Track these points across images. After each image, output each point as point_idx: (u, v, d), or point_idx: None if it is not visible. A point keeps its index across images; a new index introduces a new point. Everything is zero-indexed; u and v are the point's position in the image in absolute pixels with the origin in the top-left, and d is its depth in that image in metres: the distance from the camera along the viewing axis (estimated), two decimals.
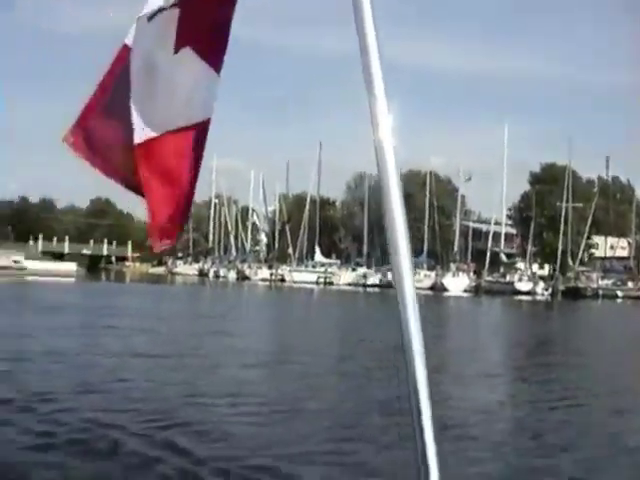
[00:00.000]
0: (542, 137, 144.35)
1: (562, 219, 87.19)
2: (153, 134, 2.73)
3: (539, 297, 77.78)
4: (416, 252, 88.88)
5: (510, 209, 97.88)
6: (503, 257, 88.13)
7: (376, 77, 2.10)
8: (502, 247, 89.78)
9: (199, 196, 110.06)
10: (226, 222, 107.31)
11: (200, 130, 2.77)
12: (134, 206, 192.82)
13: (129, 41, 2.77)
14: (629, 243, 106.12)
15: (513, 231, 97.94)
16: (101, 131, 2.85)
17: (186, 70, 2.73)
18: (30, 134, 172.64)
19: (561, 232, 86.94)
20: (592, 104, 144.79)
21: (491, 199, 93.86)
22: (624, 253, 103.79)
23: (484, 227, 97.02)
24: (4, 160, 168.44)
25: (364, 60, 2.11)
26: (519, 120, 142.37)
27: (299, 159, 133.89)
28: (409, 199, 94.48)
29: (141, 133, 2.70)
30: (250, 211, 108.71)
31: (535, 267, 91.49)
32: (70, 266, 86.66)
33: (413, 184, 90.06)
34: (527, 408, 14.07)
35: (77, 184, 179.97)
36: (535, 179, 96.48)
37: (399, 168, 2.07)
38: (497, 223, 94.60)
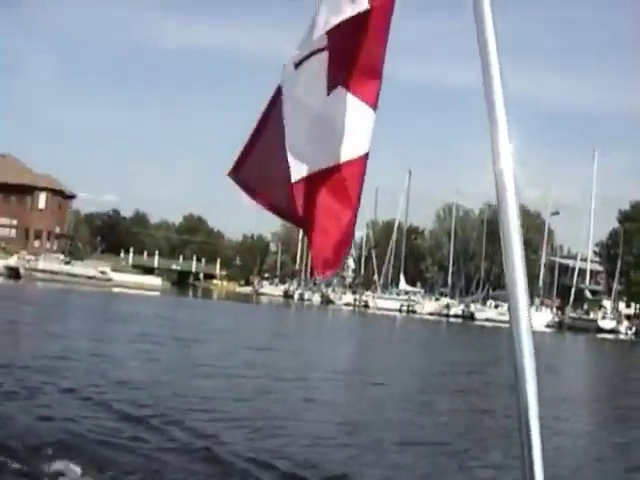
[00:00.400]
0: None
1: None
2: (311, 171, 2.86)
3: (622, 336, 77.09)
4: (500, 286, 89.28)
5: (597, 245, 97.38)
6: (588, 294, 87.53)
7: (498, 106, 2.17)
8: (587, 283, 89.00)
9: None
10: None
11: (359, 164, 2.89)
12: (225, 224, 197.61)
13: (281, 84, 2.94)
14: None
15: (600, 268, 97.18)
16: (262, 168, 3.00)
17: (341, 109, 2.85)
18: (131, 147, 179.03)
19: None
20: None
21: (579, 234, 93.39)
22: None
23: (571, 262, 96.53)
24: (102, 171, 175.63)
25: (487, 90, 2.19)
26: (618, 155, 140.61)
27: (389, 186, 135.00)
28: (497, 232, 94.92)
29: (298, 171, 2.82)
30: None
31: (622, 306, 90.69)
32: (155, 280, 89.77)
33: None
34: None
35: (171, 200, 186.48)
36: (624, 216, 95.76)
37: (519, 199, 2.15)
38: (584, 259, 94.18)
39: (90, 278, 79.72)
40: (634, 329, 79.82)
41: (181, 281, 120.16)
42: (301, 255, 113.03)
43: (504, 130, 2.18)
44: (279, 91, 2.92)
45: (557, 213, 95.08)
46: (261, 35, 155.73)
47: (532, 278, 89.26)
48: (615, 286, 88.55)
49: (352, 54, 2.81)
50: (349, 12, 2.67)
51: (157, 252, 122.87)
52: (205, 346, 25.50)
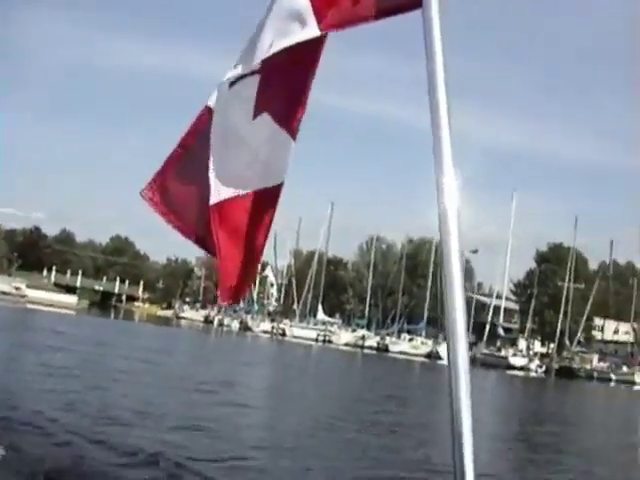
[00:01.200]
0: (567, 215, 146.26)
1: (563, 299, 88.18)
2: (228, 196, 2.85)
3: (533, 373, 78.45)
4: (416, 320, 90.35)
5: (515, 285, 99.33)
6: (500, 331, 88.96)
7: (445, 144, 2.17)
8: (501, 321, 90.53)
9: None
10: None
11: (273, 193, 2.89)
12: (152, 247, 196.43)
13: (212, 103, 2.91)
14: (634, 329, 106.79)
15: (516, 307, 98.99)
16: (179, 189, 2.99)
17: (263, 136, 2.85)
18: (57, 167, 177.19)
19: (561, 312, 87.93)
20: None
21: (498, 273, 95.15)
22: (629, 337, 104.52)
23: (488, 300, 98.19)
24: (27, 190, 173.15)
25: (434, 127, 2.18)
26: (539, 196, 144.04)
27: (314, 216, 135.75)
28: (418, 267, 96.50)
29: (217, 194, 2.82)
30: (263, 264, 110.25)
31: (538, 345, 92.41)
32: (71, 299, 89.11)
33: (425, 252, 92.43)
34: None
35: (99, 220, 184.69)
36: (541, 258, 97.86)
37: (462, 236, 2.14)
38: (500, 297, 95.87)
39: (4, 294, 78.83)
40: (544, 367, 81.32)
41: (103, 302, 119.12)
42: None
43: (449, 167, 2.16)
44: (208, 111, 2.91)
45: (476, 251, 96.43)
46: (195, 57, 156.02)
47: None
48: (529, 325, 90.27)
49: (281, 82, 2.82)
50: (298, 37, 2.61)
51: (80, 271, 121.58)
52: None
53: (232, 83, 2.84)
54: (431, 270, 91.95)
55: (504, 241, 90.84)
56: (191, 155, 2.94)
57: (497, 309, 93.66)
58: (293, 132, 2.87)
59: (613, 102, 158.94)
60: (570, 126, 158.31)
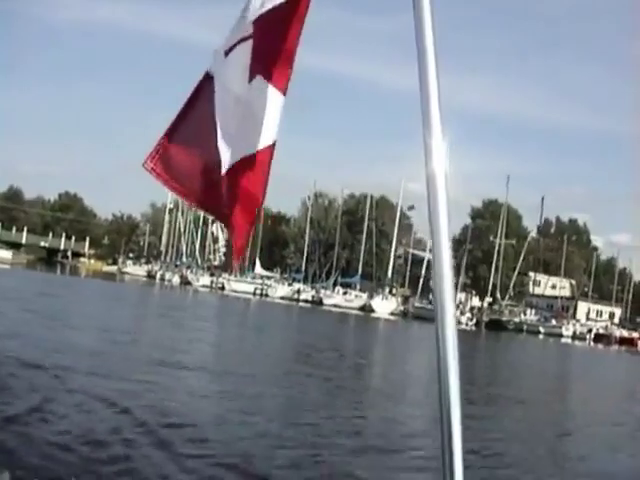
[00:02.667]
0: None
1: (495, 254, 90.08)
2: (235, 160, 2.87)
3: (463, 326, 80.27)
4: (350, 273, 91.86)
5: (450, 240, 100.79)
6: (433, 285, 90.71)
7: (433, 104, 2.12)
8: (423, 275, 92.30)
9: (160, 199, 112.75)
10: (179, 228, 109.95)
11: (269, 153, 2.90)
12: (100, 204, 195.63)
13: (211, 71, 2.97)
14: (571, 284, 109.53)
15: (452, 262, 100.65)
16: (182, 158, 2.99)
17: (259, 97, 2.85)
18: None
19: (493, 267, 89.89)
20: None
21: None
22: (566, 293, 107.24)
23: (426, 255, 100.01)
24: None
25: (422, 87, 2.12)
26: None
27: None
28: (358, 222, 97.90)
29: (226, 160, 2.84)
30: (205, 219, 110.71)
31: (476, 300, 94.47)
32: (6, 254, 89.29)
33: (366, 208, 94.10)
34: None
35: (47, 177, 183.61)
36: (475, 214, 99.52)
37: (450, 199, 2.09)
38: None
39: None
40: (475, 320, 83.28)
41: (49, 258, 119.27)
42: (167, 237, 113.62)
43: (438, 129, 2.12)
44: (209, 79, 2.95)
45: (412, 207, 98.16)
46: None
47: (385, 268, 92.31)
48: (460, 279, 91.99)
49: (272, 43, 2.86)
50: None
51: (25, 228, 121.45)
52: None
53: (228, 51, 2.90)
54: (366, 225, 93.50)
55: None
56: (194, 123, 2.98)
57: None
58: (283, 88, 2.89)
59: (552, 59, 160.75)
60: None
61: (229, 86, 2.90)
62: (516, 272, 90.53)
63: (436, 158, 2.11)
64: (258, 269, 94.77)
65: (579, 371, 40.24)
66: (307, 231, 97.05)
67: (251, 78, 2.87)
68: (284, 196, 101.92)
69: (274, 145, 2.90)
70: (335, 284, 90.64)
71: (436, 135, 2.12)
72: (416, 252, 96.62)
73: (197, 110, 2.98)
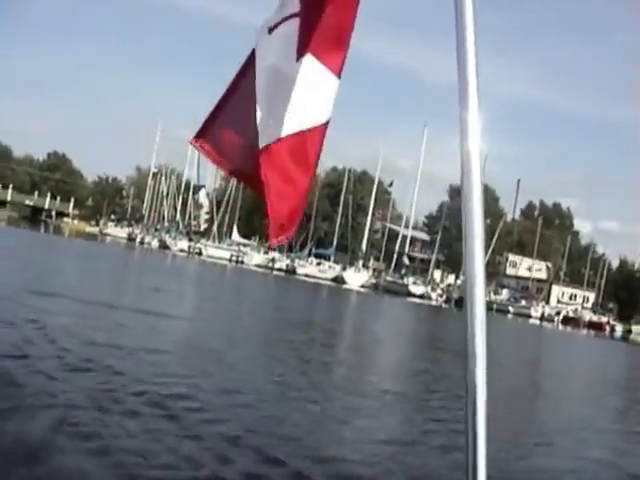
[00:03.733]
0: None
1: None
2: (276, 137, 2.82)
3: (433, 302, 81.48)
4: (325, 245, 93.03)
5: (427, 217, 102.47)
6: (405, 260, 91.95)
7: (471, 82, 2.09)
8: (406, 250, 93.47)
9: (146, 163, 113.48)
10: (162, 193, 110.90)
11: (320, 132, 2.89)
12: (88, 166, 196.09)
13: (256, 47, 2.96)
14: (547, 267, 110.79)
15: (428, 238, 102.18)
16: (228, 135, 2.99)
17: (308, 75, 2.81)
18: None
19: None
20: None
21: (419, 204, 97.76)
22: (542, 275, 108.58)
23: (405, 231, 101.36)
24: None
25: (460, 65, 2.09)
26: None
27: None
28: (339, 196, 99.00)
29: (265, 137, 2.80)
30: (187, 185, 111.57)
31: (453, 277, 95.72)
32: None
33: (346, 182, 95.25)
34: None
35: (38, 136, 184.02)
36: (454, 191, 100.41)
37: (483, 179, 2.06)
38: (414, 228, 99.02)
39: None
40: (445, 296, 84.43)
41: (34, 217, 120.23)
42: (149, 201, 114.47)
43: (474, 105, 2.10)
44: (252, 55, 2.96)
45: (392, 183, 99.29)
46: None
47: (360, 242, 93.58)
48: (434, 256, 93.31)
49: (322, 22, 2.79)
50: None
51: (11, 186, 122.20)
52: None
53: (271, 29, 2.90)
54: (342, 199, 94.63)
55: (425, 174, 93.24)
56: (239, 100, 2.96)
57: (413, 240, 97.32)
58: (338, 71, 2.87)
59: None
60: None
61: (273, 62, 2.87)
62: (489, 252, 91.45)
63: (472, 136, 2.09)
64: (235, 236, 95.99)
65: (533, 350, 40.78)
66: None
67: (299, 56, 2.83)
68: None
69: (327, 124, 2.90)
70: (310, 255, 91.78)
71: (472, 113, 2.08)
72: (393, 227, 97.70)
73: (242, 87, 2.97)
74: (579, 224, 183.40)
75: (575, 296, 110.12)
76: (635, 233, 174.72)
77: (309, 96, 2.85)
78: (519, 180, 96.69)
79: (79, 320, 16.42)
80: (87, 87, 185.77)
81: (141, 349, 14.10)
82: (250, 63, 2.97)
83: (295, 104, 2.83)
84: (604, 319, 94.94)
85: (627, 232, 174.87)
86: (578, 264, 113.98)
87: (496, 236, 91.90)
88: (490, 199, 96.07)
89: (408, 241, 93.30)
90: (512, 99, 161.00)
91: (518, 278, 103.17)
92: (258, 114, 2.82)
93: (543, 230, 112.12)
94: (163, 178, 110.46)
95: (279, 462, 8.08)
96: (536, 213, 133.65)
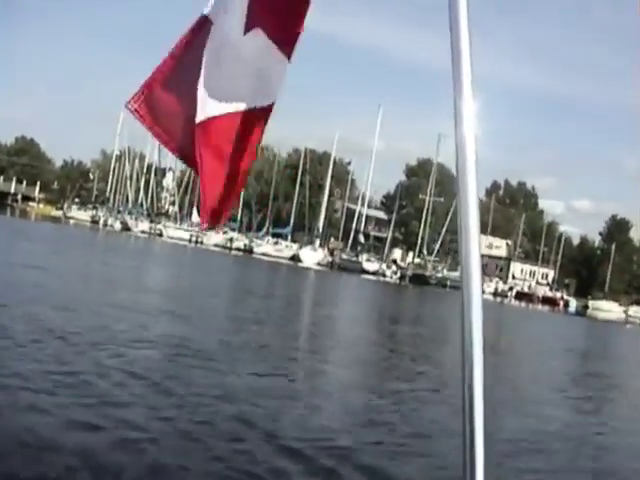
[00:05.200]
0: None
1: (424, 211, 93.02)
2: (215, 113, 2.71)
3: (388, 279, 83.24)
4: (282, 224, 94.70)
5: (384, 196, 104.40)
6: (361, 238, 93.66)
7: (465, 67, 2.04)
8: (362, 229, 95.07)
9: (111, 147, 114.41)
10: (125, 175, 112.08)
11: (263, 114, 2.76)
12: (56, 150, 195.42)
13: (208, 12, 2.74)
14: (507, 245, 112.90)
15: (385, 217, 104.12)
16: (165, 101, 2.80)
17: (256, 52, 2.71)
18: None
19: (422, 223, 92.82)
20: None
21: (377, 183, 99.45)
22: (503, 253, 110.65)
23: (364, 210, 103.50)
24: None
25: (454, 49, 2.04)
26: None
27: None
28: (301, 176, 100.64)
29: (203, 111, 2.69)
30: (149, 168, 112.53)
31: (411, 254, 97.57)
32: None
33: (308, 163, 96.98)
34: None
35: (6, 121, 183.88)
36: (411, 172, 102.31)
37: (479, 166, 2.01)
38: (374, 207, 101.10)
39: None
40: (399, 274, 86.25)
41: (0, 201, 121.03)
42: (112, 184, 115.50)
43: (469, 92, 2.05)
44: (204, 20, 2.76)
45: (349, 162, 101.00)
46: None
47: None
48: (389, 234, 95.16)
49: (276, 1, 2.70)
50: None
51: None
52: None
53: None
54: (299, 180, 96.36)
55: (385, 152, 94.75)
56: (182, 67, 2.77)
57: (371, 219, 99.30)
58: (288, 52, 2.75)
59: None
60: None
61: (222, 33, 2.72)
62: (444, 229, 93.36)
63: (466, 121, 2.05)
64: (195, 217, 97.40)
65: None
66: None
67: (247, 29, 2.70)
68: None
69: (271, 108, 2.76)
70: (268, 234, 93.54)
71: (467, 98, 2.05)
72: (351, 206, 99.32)
73: (189, 53, 2.77)
74: (552, 203, 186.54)
75: (534, 273, 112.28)
76: (606, 211, 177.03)
77: (256, 74, 2.74)
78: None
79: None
80: (57, 70, 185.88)
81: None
82: (200, 26, 2.76)
83: (240, 81, 2.73)
84: (558, 294, 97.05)
85: (599, 210, 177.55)
86: (541, 242, 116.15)
87: (449, 215, 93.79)
88: (445, 178, 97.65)
89: (364, 220, 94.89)
90: (489, 78, 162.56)
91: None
92: (200, 85, 2.68)
93: (504, 209, 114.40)
94: (127, 161, 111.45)
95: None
96: (501, 192, 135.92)
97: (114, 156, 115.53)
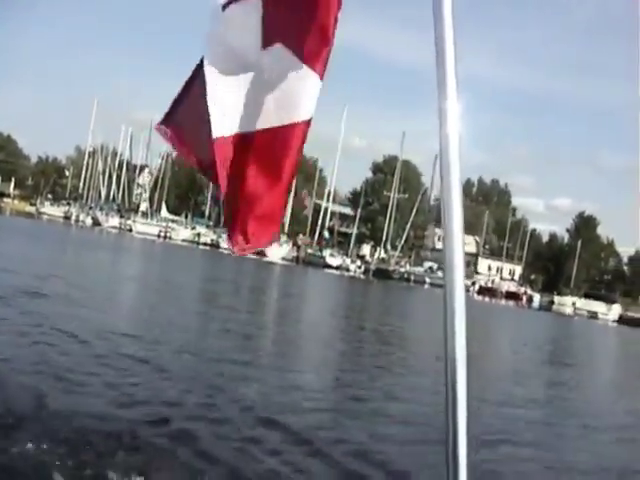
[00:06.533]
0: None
1: (389, 207, 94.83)
2: (239, 131, 2.62)
3: (351, 273, 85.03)
4: None
5: (351, 193, 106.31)
6: (326, 234, 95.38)
7: (449, 67, 2.04)
8: (327, 224, 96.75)
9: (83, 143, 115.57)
10: (98, 172, 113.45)
11: (295, 131, 2.56)
12: (34, 146, 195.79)
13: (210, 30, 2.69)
14: (476, 241, 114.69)
15: (352, 213, 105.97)
16: (189, 122, 2.78)
17: (280, 67, 2.57)
18: None
19: (387, 219, 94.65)
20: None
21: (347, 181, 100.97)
22: (471, 249, 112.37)
23: (335, 207, 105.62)
24: None
25: (438, 49, 2.04)
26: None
27: None
28: None
29: (220, 128, 2.60)
30: (120, 164, 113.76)
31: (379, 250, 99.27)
32: None
33: None
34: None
35: None
36: (377, 168, 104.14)
37: (462, 162, 2.02)
38: (342, 204, 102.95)
39: None
40: (363, 268, 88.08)
41: None
42: (87, 180, 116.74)
43: (453, 92, 2.05)
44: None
45: (317, 160, 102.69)
46: None
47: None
48: (354, 230, 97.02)
49: (297, 13, 2.55)
50: None
51: None
52: None
53: (224, 6, 2.64)
54: None
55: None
56: (198, 88, 2.69)
57: (339, 215, 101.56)
58: (316, 68, 2.52)
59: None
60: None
61: (229, 45, 2.65)
62: (408, 226, 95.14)
63: (450, 121, 2.04)
64: (164, 213, 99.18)
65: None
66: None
67: (266, 44, 2.61)
68: None
69: (306, 124, 2.56)
70: None
71: (451, 98, 2.05)
72: (318, 202, 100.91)
73: (200, 73, 2.72)
74: (532, 202, 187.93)
75: (502, 269, 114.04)
76: (586, 210, 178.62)
77: (282, 90, 2.58)
78: (436, 155, 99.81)
79: None
80: (38, 67, 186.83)
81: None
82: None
83: (261, 97, 2.61)
84: (522, 290, 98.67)
85: (578, 208, 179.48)
86: (510, 239, 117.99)
87: (414, 211, 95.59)
88: (411, 174, 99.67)
89: (329, 215, 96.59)
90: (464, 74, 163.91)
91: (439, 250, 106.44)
92: (209, 100, 2.61)
93: (475, 205, 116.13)
94: (99, 157, 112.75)
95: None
96: (474, 190, 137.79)
97: (86, 152, 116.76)
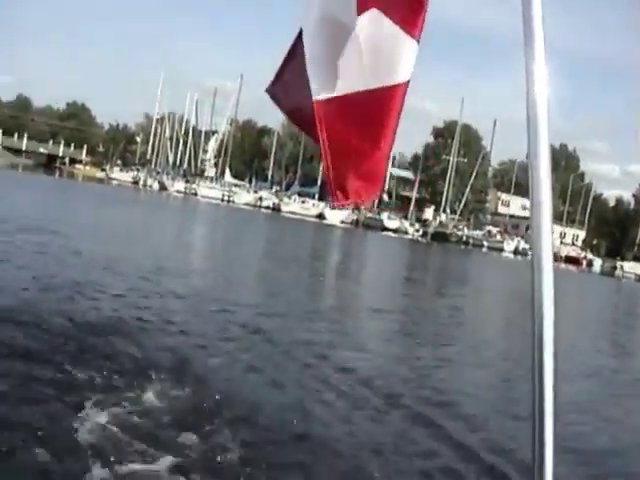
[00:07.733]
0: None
1: (449, 171, 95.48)
2: (337, 93, 2.63)
3: (410, 236, 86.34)
4: (310, 183, 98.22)
5: (412, 157, 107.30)
6: (385, 197, 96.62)
7: (537, 28, 1.96)
8: (386, 189, 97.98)
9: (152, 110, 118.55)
10: (165, 138, 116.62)
11: (394, 92, 2.59)
12: (107, 113, 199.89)
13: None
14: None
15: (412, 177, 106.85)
16: (292, 87, 2.81)
17: (376, 32, 2.59)
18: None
19: (447, 183, 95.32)
20: None
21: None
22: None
23: (396, 171, 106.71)
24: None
25: (525, 10, 1.96)
26: None
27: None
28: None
29: (320, 89, 2.62)
30: (186, 130, 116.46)
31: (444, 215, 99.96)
32: None
33: None
34: None
35: (56, 85, 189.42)
36: (437, 133, 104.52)
37: (551, 125, 1.93)
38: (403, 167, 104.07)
39: None
40: (421, 231, 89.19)
41: (49, 164, 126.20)
42: (153, 146, 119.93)
43: (541, 53, 1.97)
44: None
45: None
46: None
47: None
48: (414, 193, 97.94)
49: None
50: None
51: (26, 135, 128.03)
52: None
53: None
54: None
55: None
56: (301, 52, 2.71)
57: (400, 179, 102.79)
58: (413, 31, 2.56)
59: None
60: None
61: (326, 10, 2.63)
62: (467, 189, 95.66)
63: (538, 84, 1.96)
64: (227, 177, 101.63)
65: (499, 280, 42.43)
66: (274, 145, 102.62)
67: (361, 10, 2.57)
68: (272, 111, 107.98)
69: (404, 86, 2.58)
70: (299, 194, 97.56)
71: (539, 60, 1.97)
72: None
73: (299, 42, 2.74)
74: (606, 167, 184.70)
75: (565, 234, 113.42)
76: None
77: (378, 54, 2.59)
78: (495, 121, 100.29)
79: None
80: (112, 35, 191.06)
81: None
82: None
83: (358, 60, 2.61)
84: (582, 254, 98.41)
85: None
86: (576, 204, 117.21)
87: (473, 175, 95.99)
88: (472, 139, 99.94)
89: (388, 179, 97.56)
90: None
91: (512, 217, 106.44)
92: (307, 63, 2.63)
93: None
94: (167, 124, 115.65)
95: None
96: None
97: (154, 119, 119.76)
